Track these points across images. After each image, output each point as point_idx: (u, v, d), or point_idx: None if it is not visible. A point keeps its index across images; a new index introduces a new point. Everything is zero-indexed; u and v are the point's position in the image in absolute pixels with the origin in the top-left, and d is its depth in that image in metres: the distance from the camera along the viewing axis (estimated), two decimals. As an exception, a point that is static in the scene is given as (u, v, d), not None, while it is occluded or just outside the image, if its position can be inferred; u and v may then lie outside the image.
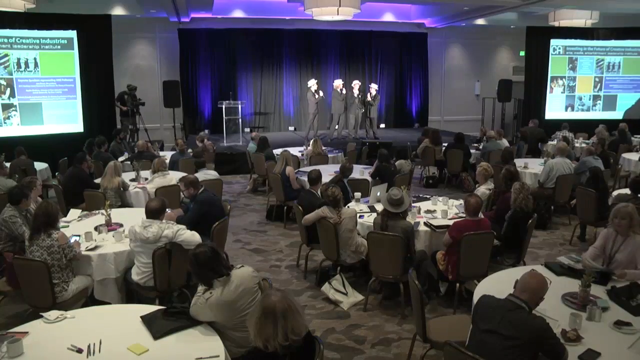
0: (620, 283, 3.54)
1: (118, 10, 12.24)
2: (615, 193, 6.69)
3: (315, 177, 6.11)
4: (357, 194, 6.16)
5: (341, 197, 5.11)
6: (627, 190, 6.24)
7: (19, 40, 10.45)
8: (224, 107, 12.04)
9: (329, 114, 13.42)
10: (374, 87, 13.17)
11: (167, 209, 4.54)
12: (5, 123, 10.54)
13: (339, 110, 12.62)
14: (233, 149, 11.73)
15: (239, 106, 12.15)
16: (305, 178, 6.98)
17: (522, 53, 14.96)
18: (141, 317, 3.09)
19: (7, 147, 8.65)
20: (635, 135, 11.78)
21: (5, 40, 10.32)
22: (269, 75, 14.90)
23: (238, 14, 13.70)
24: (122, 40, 12.91)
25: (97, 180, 6.76)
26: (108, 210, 5.05)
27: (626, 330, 2.96)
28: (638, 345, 2.82)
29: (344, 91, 12.63)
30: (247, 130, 13.59)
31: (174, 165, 8.30)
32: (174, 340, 2.92)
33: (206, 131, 11.08)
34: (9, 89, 10.48)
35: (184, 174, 6.66)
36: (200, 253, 3.14)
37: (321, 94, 12.48)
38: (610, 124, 11.81)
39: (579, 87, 14.47)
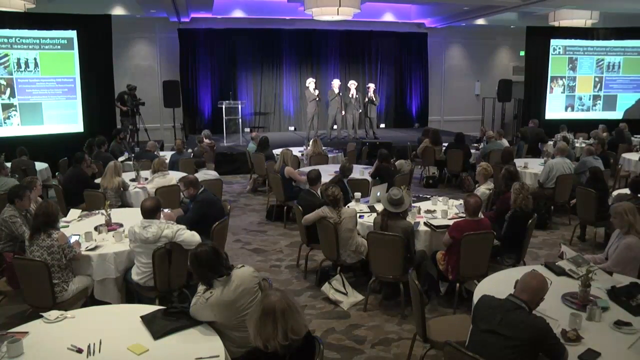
0: (620, 283, 3.54)
1: (118, 10, 12.24)
2: (615, 193, 6.69)
3: (315, 177, 6.11)
4: (357, 194, 6.16)
5: (341, 197, 5.10)
6: (627, 190, 6.24)
7: (19, 40, 10.44)
8: (224, 107, 12.05)
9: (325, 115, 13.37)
10: (371, 87, 13.17)
11: (161, 207, 4.51)
12: (5, 123, 10.54)
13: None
14: (233, 149, 11.73)
15: (239, 106, 12.16)
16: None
17: (522, 53, 14.96)
18: (141, 317, 3.09)
19: (7, 147, 8.64)
20: (635, 135, 11.78)
21: (5, 40, 10.31)
22: (269, 75, 14.89)
23: (238, 14, 13.70)
24: (122, 40, 12.91)
25: (97, 180, 6.77)
26: (108, 210, 5.05)
27: (626, 330, 2.96)
28: (638, 345, 2.82)
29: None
30: (247, 130, 13.59)
31: (173, 165, 8.31)
32: (174, 340, 2.92)
33: (207, 131, 11.06)
34: (9, 89, 10.48)
35: (184, 174, 6.67)
36: (201, 252, 3.15)
37: (317, 92, 12.43)
38: (610, 124, 11.82)
39: (579, 87, 14.47)
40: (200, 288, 3.15)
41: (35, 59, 10.64)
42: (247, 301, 3.10)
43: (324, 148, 9.60)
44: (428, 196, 6.31)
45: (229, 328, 3.07)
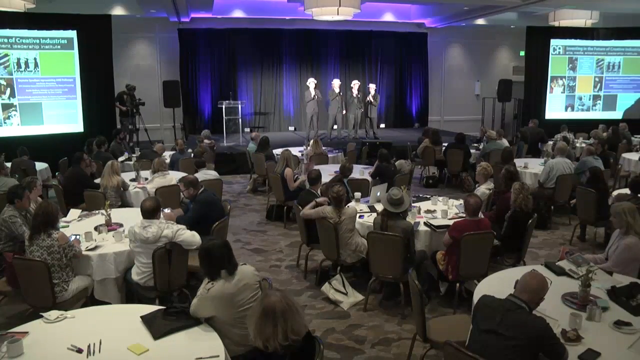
0: (620, 283, 3.54)
1: (118, 10, 12.24)
2: (615, 193, 6.69)
3: (315, 177, 6.11)
4: (357, 194, 6.15)
5: (344, 196, 5.10)
6: (627, 190, 6.24)
7: (19, 40, 10.44)
8: (224, 107, 12.05)
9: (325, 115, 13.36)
10: (372, 87, 13.18)
11: (161, 207, 4.52)
12: (5, 123, 10.54)
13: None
14: (233, 149, 11.73)
15: (239, 106, 12.16)
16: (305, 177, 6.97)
17: (522, 53, 14.96)
18: (141, 317, 3.09)
19: (7, 147, 8.64)
20: (635, 135, 11.78)
21: (5, 40, 10.31)
22: (269, 75, 14.89)
23: (238, 14, 13.71)
24: (122, 40, 12.91)
25: (98, 180, 6.77)
26: (108, 210, 5.05)
27: (626, 330, 2.96)
28: (638, 345, 2.82)
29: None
30: (247, 130, 13.59)
31: (173, 165, 8.31)
32: (174, 340, 2.93)
33: (207, 131, 11.07)
34: (9, 89, 10.48)
35: (184, 174, 6.67)
36: (213, 246, 3.18)
37: (315, 92, 12.42)
38: (610, 124, 11.81)
39: (579, 87, 14.47)
40: (203, 284, 3.16)
41: (35, 59, 10.64)
42: (247, 297, 3.11)
43: (324, 148, 9.60)
44: (428, 196, 6.31)
45: (229, 324, 3.08)
